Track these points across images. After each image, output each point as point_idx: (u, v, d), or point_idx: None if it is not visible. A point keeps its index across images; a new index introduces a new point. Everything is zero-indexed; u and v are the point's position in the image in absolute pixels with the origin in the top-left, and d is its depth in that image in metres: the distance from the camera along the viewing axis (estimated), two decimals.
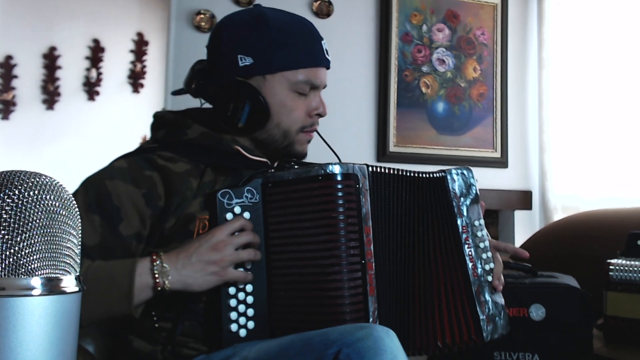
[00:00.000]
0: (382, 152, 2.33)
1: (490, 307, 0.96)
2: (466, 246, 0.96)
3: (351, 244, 0.84)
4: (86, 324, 0.79)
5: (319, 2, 2.31)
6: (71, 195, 0.52)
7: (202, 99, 1.01)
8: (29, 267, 0.47)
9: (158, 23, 3.43)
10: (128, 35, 3.60)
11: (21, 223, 0.47)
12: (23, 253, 0.46)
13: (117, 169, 0.92)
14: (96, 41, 3.55)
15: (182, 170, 0.93)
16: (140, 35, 3.63)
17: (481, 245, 0.98)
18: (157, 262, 0.84)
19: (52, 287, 0.48)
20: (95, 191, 0.90)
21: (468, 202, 0.99)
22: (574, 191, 2.27)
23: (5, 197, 0.47)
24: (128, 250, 0.90)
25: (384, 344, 0.73)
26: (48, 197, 0.49)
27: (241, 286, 0.87)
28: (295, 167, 0.94)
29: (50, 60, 3.47)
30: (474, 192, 1.00)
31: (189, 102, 1.06)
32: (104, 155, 1.09)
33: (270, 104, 0.96)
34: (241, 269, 0.87)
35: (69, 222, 0.51)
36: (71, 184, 0.73)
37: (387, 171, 0.92)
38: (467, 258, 0.96)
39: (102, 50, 3.56)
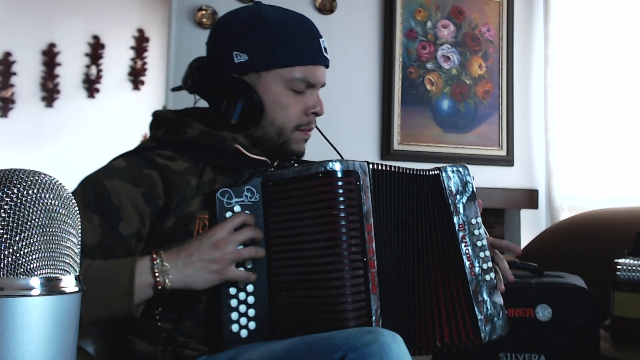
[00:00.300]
0: (386, 150, 2.32)
1: (489, 307, 0.96)
2: (463, 244, 0.95)
3: (352, 241, 0.83)
4: (86, 324, 0.79)
5: None
6: (71, 194, 0.52)
7: (198, 95, 1.01)
8: (28, 267, 0.46)
9: (159, 19, 3.42)
10: (128, 32, 3.60)
11: (20, 222, 0.46)
12: (22, 253, 0.46)
13: (116, 168, 0.92)
14: (96, 37, 3.54)
15: (182, 169, 0.93)
16: (140, 31, 3.62)
17: (478, 243, 0.97)
18: (158, 261, 0.83)
19: (51, 287, 0.48)
20: (94, 191, 0.90)
21: (464, 199, 0.98)
22: (580, 190, 2.26)
23: (4, 195, 0.46)
24: (128, 250, 0.90)
25: (390, 349, 0.73)
26: (47, 195, 0.49)
27: (242, 286, 0.87)
28: (296, 165, 0.94)
29: (50, 57, 3.46)
30: (471, 189, 0.99)
31: (190, 100, 1.05)
32: (104, 153, 1.09)
33: (264, 101, 0.96)
34: (242, 268, 0.87)
35: (68, 221, 0.51)
36: (71, 183, 0.72)
37: (387, 168, 0.92)
38: (464, 257, 0.95)
39: (102, 46, 3.55)
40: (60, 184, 0.51)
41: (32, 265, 0.46)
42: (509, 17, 2.47)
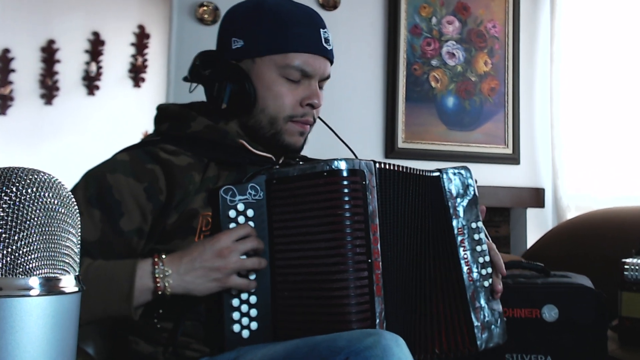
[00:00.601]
0: (390, 148, 2.31)
1: (486, 314, 0.94)
2: (461, 249, 0.94)
3: (357, 242, 0.82)
4: (84, 323, 0.78)
5: None
6: (70, 193, 0.51)
7: (200, 84, 1.00)
8: (27, 267, 0.46)
9: (160, 15, 3.41)
10: (129, 28, 3.59)
11: (19, 221, 0.46)
12: (21, 252, 0.46)
13: (119, 162, 0.91)
14: (96, 34, 3.53)
15: (185, 164, 0.92)
16: (141, 27, 3.61)
17: (478, 248, 0.96)
18: (159, 265, 0.83)
19: (50, 287, 0.47)
20: (97, 184, 0.89)
21: (465, 202, 0.97)
22: (587, 189, 2.25)
23: (3, 194, 0.46)
24: (129, 247, 0.89)
25: (392, 352, 0.72)
26: (46, 194, 0.48)
27: None
28: (301, 163, 0.93)
29: (49, 53, 3.45)
30: (472, 193, 0.97)
31: (193, 96, 1.04)
32: (104, 151, 1.08)
33: (257, 88, 0.95)
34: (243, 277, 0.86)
35: (68, 220, 0.50)
36: (70, 181, 0.71)
37: (394, 168, 0.91)
38: (462, 261, 0.94)
39: (102, 43, 3.54)
40: (60, 182, 0.51)
41: (31, 265, 0.46)
42: (515, 13, 2.44)
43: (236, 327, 0.85)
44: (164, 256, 0.84)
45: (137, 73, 3.60)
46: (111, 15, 3.52)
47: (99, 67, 3.54)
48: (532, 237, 2.34)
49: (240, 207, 0.86)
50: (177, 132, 0.96)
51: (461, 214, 0.96)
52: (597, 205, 2.10)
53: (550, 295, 1.23)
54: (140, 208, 0.89)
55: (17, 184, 0.47)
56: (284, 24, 0.94)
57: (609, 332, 1.25)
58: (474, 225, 0.96)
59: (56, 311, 0.47)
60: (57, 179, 0.50)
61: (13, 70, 3.40)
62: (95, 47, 3.53)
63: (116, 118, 3.40)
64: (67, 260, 0.49)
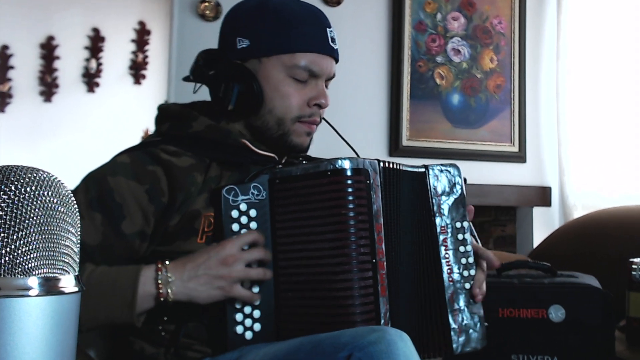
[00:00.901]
0: (394, 146, 2.30)
1: (465, 317, 0.93)
2: (443, 248, 0.93)
3: (361, 242, 0.82)
4: (86, 330, 0.79)
5: None
6: (70, 192, 0.51)
7: (204, 85, 0.99)
8: (26, 267, 0.46)
9: (161, 11, 3.40)
10: (129, 24, 3.58)
11: (17, 220, 0.45)
12: (20, 252, 0.45)
13: (120, 164, 0.91)
14: (96, 30, 3.52)
15: (187, 165, 0.91)
16: (142, 24, 3.60)
17: (461, 249, 0.94)
18: (162, 272, 0.83)
19: (50, 287, 0.47)
20: (97, 188, 0.89)
21: (450, 201, 0.95)
22: (594, 188, 2.24)
23: (1, 193, 0.46)
24: (131, 250, 0.89)
25: (397, 347, 0.71)
26: (46, 193, 0.48)
27: (247, 286, 0.85)
28: (304, 162, 0.92)
29: (48, 50, 3.44)
30: (459, 191, 0.96)
31: (194, 94, 1.04)
32: (104, 149, 1.07)
33: (264, 88, 0.94)
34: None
35: (67, 219, 0.49)
36: (70, 179, 0.70)
37: (399, 167, 0.90)
38: (442, 260, 0.92)
39: (102, 39, 3.53)
40: (59, 181, 0.50)
41: (30, 265, 0.46)
42: (521, 9, 2.43)
43: (239, 329, 0.84)
44: (167, 262, 0.84)
45: (137, 70, 3.59)
46: (111, 12, 3.52)
47: (99, 64, 3.53)
48: (539, 236, 2.33)
49: (243, 207, 0.86)
50: (178, 132, 0.96)
51: (445, 212, 0.94)
52: (605, 203, 2.08)
53: (557, 295, 1.23)
54: (142, 210, 0.88)
55: (16, 183, 0.46)
56: (290, 23, 0.94)
57: (616, 333, 1.25)
58: (458, 224, 0.95)
59: (55, 311, 0.47)
60: (56, 178, 0.50)
61: (12, 67, 3.40)
62: (95, 43, 3.52)
63: (116, 115, 3.40)
64: (66, 260, 0.49)
